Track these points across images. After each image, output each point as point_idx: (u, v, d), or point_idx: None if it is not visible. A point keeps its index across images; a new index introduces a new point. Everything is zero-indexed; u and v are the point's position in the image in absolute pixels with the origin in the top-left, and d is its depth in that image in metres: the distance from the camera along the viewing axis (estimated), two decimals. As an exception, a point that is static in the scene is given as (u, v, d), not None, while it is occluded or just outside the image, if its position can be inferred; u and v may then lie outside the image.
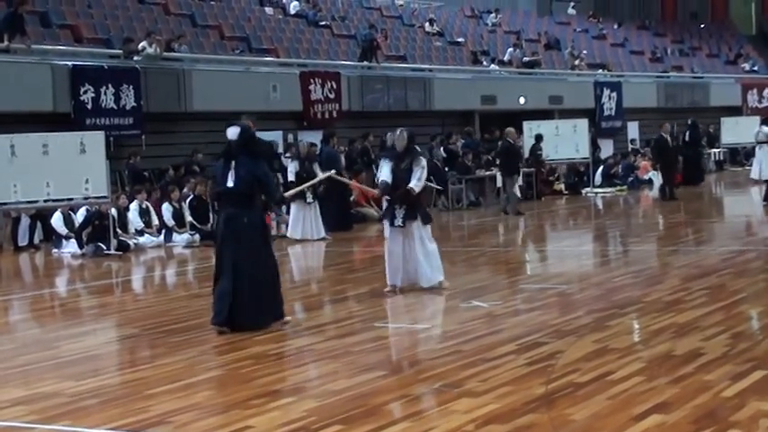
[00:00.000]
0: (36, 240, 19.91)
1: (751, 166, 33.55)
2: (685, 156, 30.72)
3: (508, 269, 15.22)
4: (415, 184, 12.24)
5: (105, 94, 22.78)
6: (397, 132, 12.64)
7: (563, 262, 16.09)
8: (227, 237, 10.17)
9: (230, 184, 10.14)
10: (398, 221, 12.31)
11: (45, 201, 18.78)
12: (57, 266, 17.84)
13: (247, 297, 10.06)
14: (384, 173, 12.53)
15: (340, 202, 21.98)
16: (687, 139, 31.73)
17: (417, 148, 12.95)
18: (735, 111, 41.87)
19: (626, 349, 8.74)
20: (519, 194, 24.81)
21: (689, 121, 32.73)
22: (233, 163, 10.15)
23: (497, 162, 27.46)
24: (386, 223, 12.62)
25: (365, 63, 30.78)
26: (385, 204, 19.62)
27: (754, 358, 8.15)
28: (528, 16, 45.60)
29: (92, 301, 13.53)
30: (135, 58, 24.26)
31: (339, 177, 20.14)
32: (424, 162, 12.58)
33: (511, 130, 25.42)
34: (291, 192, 14.19)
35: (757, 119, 33.72)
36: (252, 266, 10.09)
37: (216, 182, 10.44)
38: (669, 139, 27.39)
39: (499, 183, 27.52)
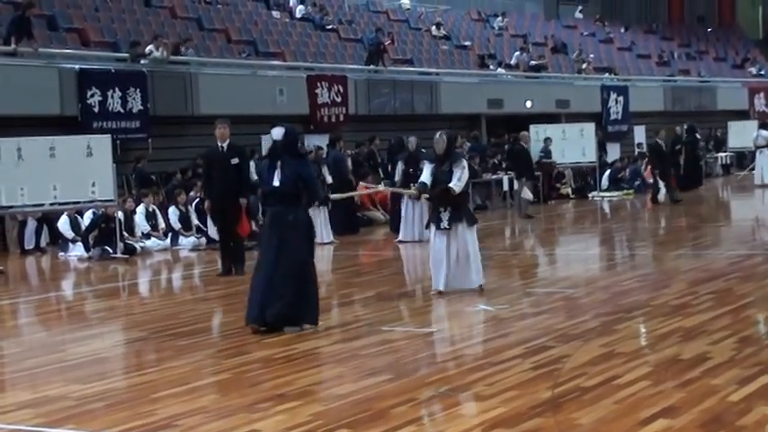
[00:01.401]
0: (42, 243, 19.94)
1: (751, 170, 33.61)
2: (685, 160, 30.84)
3: (515, 273, 15.19)
4: (455, 183, 12.19)
5: (112, 97, 22.81)
6: (437, 136, 12.63)
7: (570, 266, 16.07)
8: (272, 233, 10.30)
9: (276, 183, 10.27)
10: (444, 224, 12.27)
11: (51, 204, 18.78)
12: (63, 270, 17.85)
13: (284, 287, 10.15)
14: (424, 175, 12.55)
15: (347, 205, 21.96)
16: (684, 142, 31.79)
17: (458, 150, 12.80)
18: (742, 115, 41.86)
19: (633, 353, 8.72)
20: (531, 197, 24.72)
21: (685, 126, 32.67)
22: (278, 162, 10.29)
23: (503, 165, 27.47)
24: (432, 228, 12.55)
25: (372, 67, 30.80)
26: (399, 207, 19.71)
27: (761, 362, 8.13)
28: (535, 20, 45.58)
29: (98, 305, 13.53)
30: (142, 61, 24.30)
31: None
32: (464, 163, 12.50)
33: (524, 133, 25.42)
34: (339, 196, 13.94)
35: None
36: (293, 261, 10.19)
37: (261, 181, 10.62)
38: (663, 144, 27.52)
39: (506, 186, 27.54)
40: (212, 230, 19.05)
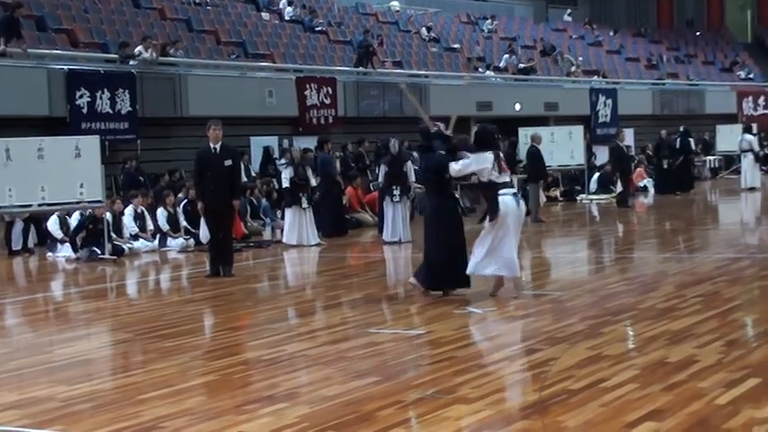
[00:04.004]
0: (30, 244, 19.88)
1: (735, 174, 33.81)
2: (678, 163, 31.04)
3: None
4: (452, 164, 13.11)
5: (101, 98, 22.79)
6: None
7: (557, 268, 16.08)
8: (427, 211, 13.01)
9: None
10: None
11: (39, 205, 18.74)
12: (51, 270, 17.81)
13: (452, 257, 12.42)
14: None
15: (335, 207, 21.97)
16: (678, 146, 31.93)
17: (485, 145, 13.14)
18: (730, 118, 41.94)
19: (620, 356, 8.73)
20: (544, 200, 24.22)
21: (680, 129, 32.81)
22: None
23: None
24: None
25: (361, 69, 30.80)
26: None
27: (748, 366, 8.14)
28: (524, 23, 45.65)
29: (85, 306, 13.50)
30: (131, 62, 24.28)
31: None
32: (481, 157, 13.14)
33: (537, 134, 25.05)
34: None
35: (751, 126, 33.93)
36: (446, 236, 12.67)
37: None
38: (624, 148, 27.70)
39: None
40: (204, 232, 18.90)
